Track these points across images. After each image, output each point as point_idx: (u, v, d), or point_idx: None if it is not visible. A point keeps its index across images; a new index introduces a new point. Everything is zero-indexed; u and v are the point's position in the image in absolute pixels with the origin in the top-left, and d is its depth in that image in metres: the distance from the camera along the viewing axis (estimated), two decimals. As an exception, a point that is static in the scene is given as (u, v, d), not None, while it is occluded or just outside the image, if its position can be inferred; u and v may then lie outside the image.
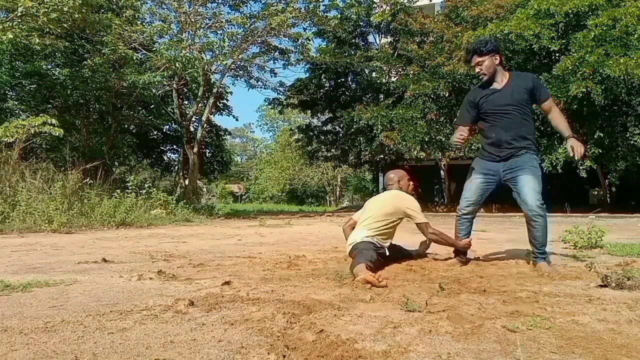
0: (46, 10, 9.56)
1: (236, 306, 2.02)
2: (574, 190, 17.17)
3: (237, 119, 45.86)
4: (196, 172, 16.65)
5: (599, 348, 1.48)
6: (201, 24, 14.46)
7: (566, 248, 4.20)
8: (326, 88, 20.90)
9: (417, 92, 15.43)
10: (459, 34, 15.05)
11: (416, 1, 18.86)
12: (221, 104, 20.54)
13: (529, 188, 2.98)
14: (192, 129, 17.64)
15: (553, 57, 13.91)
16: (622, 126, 12.79)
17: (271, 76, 17.84)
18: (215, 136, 21.98)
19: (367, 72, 19.69)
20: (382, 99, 18.32)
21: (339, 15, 18.48)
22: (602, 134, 12.61)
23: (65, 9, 9.68)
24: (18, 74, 11.87)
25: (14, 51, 10.96)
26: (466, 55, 3.25)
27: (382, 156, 18.38)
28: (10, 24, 9.68)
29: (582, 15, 12.50)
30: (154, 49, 13.89)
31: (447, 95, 15.39)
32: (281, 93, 19.90)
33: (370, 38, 20.85)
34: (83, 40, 12.94)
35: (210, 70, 15.77)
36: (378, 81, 19.44)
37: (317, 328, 1.65)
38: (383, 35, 20.46)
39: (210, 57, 14.49)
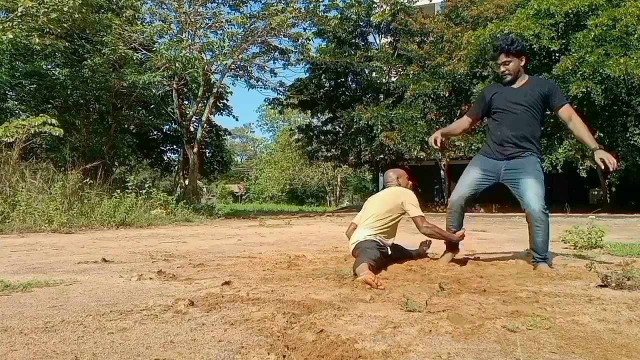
0: (46, 10, 9.56)
1: (236, 306, 2.02)
2: (574, 190, 17.18)
3: (237, 119, 45.96)
4: (196, 172, 16.66)
5: (599, 348, 1.48)
6: (201, 24, 14.46)
7: (566, 248, 4.20)
8: (326, 88, 20.90)
9: (417, 92, 15.45)
10: (459, 34, 15.07)
11: (416, 1, 18.87)
12: (221, 104, 20.54)
13: (532, 192, 2.96)
14: (192, 129, 17.64)
15: (553, 57, 13.92)
16: (622, 126, 12.79)
17: (271, 76, 17.87)
18: (215, 136, 21.98)
19: (367, 72, 19.70)
20: (382, 99, 18.32)
21: (339, 15, 18.49)
22: (602, 134, 12.61)
23: (65, 9, 9.69)
24: (18, 74, 11.87)
25: (14, 51, 10.95)
26: (493, 51, 3.32)
27: (382, 156, 18.38)
28: (10, 24, 9.68)
29: (582, 15, 12.51)
30: (154, 49, 13.90)
31: (447, 95, 15.41)
32: (281, 93, 19.91)
33: (370, 38, 20.87)
34: (83, 40, 12.94)
35: (210, 70, 15.77)
36: (378, 81, 19.45)
37: (317, 328, 1.65)
38: (383, 35, 20.46)
39: (210, 57, 14.50)
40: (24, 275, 2.86)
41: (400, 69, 18.46)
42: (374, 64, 18.23)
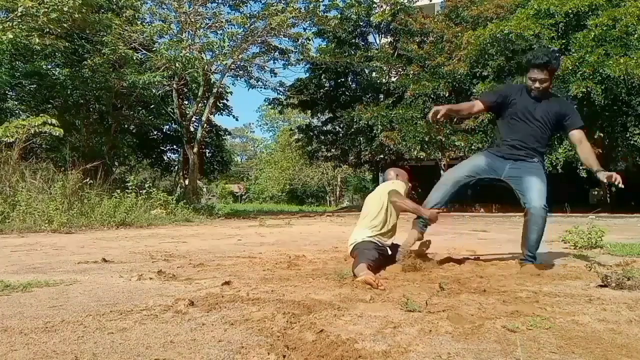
0: (46, 10, 9.55)
1: (236, 306, 2.02)
2: (574, 190, 17.18)
3: (237, 119, 45.94)
4: (196, 172, 16.65)
5: (599, 348, 1.48)
6: (201, 24, 14.46)
7: (566, 248, 4.20)
8: (326, 88, 20.89)
9: (417, 92, 15.46)
10: (459, 34, 15.08)
11: (416, 1, 18.86)
12: (221, 104, 20.54)
13: (536, 189, 2.97)
14: (192, 129, 17.64)
15: (553, 57, 13.91)
16: (622, 126, 12.80)
17: (271, 76, 17.87)
18: (215, 136, 21.98)
19: (367, 72, 19.70)
20: (382, 99, 18.32)
21: (339, 15, 18.50)
22: (602, 134, 12.62)
23: (65, 9, 9.68)
24: (18, 74, 11.88)
25: (14, 51, 10.95)
26: (532, 60, 3.00)
27: (382, 156, 18.38)
28: (10, 24, 9.68)
29: (582, 15, 12.52)
30: (154, 49, 13.90)
31: (447, 95, 15.41)
32: (281, 93, 19.90)
33: (370, 38, 20.87)
34: (83, 40, 12.95)
35: (210, 70, 15.77)
36: (378, 81, 19.45)
37: (317, 328, 1.65)
38: (383, 35, 20.45)
39: (210, 57, 14.49)
40: (24, 275, 2.86)
41: (400, 69, 18.46)
42: (374, 64, 18.23)
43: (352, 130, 18.04)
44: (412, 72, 16.63)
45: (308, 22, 16.22)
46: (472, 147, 14.74)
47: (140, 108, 16.60)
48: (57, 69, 13.15)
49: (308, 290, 2.39)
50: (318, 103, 20.89)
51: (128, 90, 13.25)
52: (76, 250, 4.36)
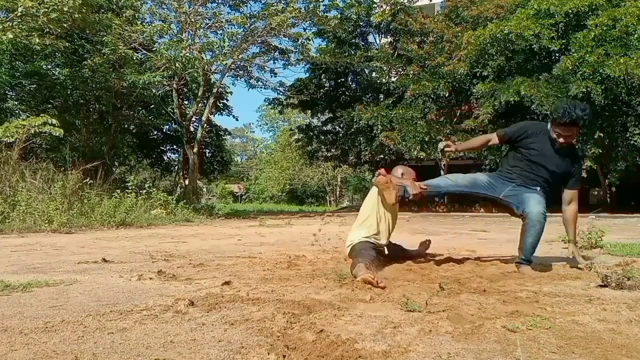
0: (46, 10, 9.55)
1: (236, 306, 2.02)
2: (573, 190, 17.14)
3: (237, 119, 45.97)
4: (196, 172, 16.65)
5: (599, 348, 1.48)
6: (201, 24, 14.46)
7: (566, 248, 4.19)
8: (326, 88, 20.89)
9: (417, 92, 15.45)
10: (459, 34, 15.07)
11: (416, 1, 18.87)
12: (221, 104, 20.53)
13: (535, 200, 2.98)
14: (192, 129, 17.64)
15: (553, 57, 13.92)
16: (622, 126, 12.79)
17: (271, 76, 17.86)
18: (215, 136, 21.98)
19: (367, 72, 19.69)
20: (382, 99, 18.31)
21: (339, 15, 18.49)
22: (602, 134, 12.61)
23: (65, 9, 9.68)
24: (18, 74, 11.88)
25: (14, 51, 10.96)
26: (566, 115, 2.87)
27: (382, 156, 18.38)
28: (10, 24, 9.68)
29: (582, 15, 12.52)
30: (154, 49, 13.90)
31: (447, 95, 15.42)
32: (281, 93, 19.90)
33: (370, 38, 20.86)
34: (83, 40, 12.94)
35: (210, 70, 15.77)
36: (378, 81, 19.44)
37: (317, 328, 1.65)
38: (383, 35, 20.45)
39: (210, 57, 14.49)
40: (24, 275, 2.86)
41: (400, 69, 18.46)
42: (374, 64, 18.23)
43: (352, 130, 18.04)
44: (412, 72, 16.63)
45: (308, 22, 16.22)
46: (472, 147, 14.73)
47: (140, 108, 16.60)
48: (57, 69, 13.15)
49: (308, 290, 2.39)
50: (318, 103, 20.89)
51: (128, 90, 13.25)
52: (76, 250, 4.36)
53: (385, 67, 18.56)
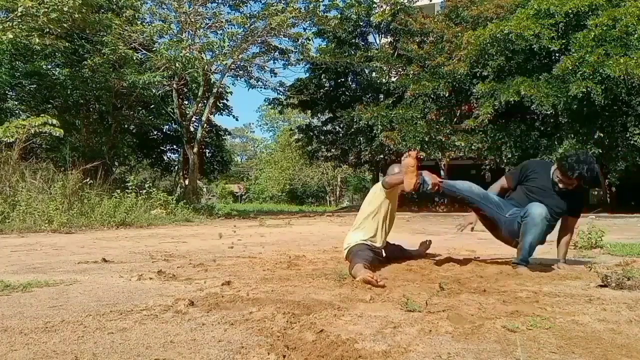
0: (46, 10, 9.56)
1: (236, 306, 2.02)
2: (573, 190, 17.12)
3: (237, 119, 45.97)
4: (196, 172, 16.66)
5: (599, 348, 1.48)
6: (201, 24, 14.46)
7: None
8: (326, 88, 20.88)
9: (417, 92, 15.44)
10: (459, 34, 15.06)
11: (416, 1, 18.86)
12: (221, 104, 20.54)
13: (536, 204, 2.98)
14: (192, 129, 17.64)
15: (553, 57, 13.92)
16: (622, 126, 12.79)
17: (271, 76, 17.87)
18: (215, 136, 21.98)
19: (367, 72, 19.69)
20: (382, 99, 18.30)
21: (339, 15, 18.49)
22: (602, 134, 12.61)
23: (65, 9, 9.69)
24: (18, 74, 11.88)
25: (14, 51, 10.96)
26: (572, 169, 2.91)
27: (382, 156, 18.37)
28: (10, 24, 9.69)
29: (582, 15, 12.51)
30: (154, 49, 13.90)
31: (447, 95, 15.40)
32: (281, 93, 19.90)
33: (370, 38, 20.85)
34: (83, 40, 12.95)
35: (210, 70, 15.77)
36: (378, 81, 19.43)
37: (317, 328, 1.65)
38: (383, 35, 20.45)
39: (210, 57, 14.49)
40: (24, 275, 2.86)
41: (400, 69, 18.45)
42: (374, 64, 18.22)
43: (352, 130, 18.03)
44: (412, 72, 16.62)
45: (308, 22, 16.22)
46: (472, 147, 14.74)
47: (140, 108, 16.60)
48: (57, 69, 13.15)
49: (308, 290, 2.39)
50: (318, 103, 20.88)
51: (128, 90, 13.25)
52: (76, 250, 4.36)
53: (385, 67, 18.55)
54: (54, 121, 8.84)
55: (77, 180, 8.21)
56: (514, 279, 2.71)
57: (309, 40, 16.04)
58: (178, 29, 14.61)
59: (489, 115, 13.45)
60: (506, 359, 1.39)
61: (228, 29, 14.64)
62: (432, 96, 15.55)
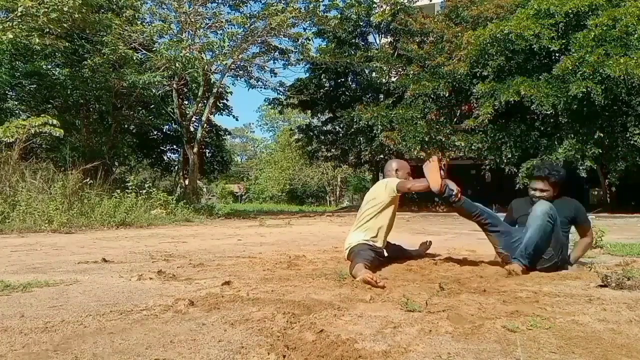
0: (46, 10, 9.55)
1: (236, 306, 2.02)
2: (574, 190, 17.14)
3: (237, 119, 45.92)
4: (196, 172, 16.65)
5: (599, 348, 1.48)
6: (201, 24, 14.45)
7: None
8: (326, 88, 20.88)
9: (417, 92, 15.43)
10: (459, 34, 15.06)
11: (416, 1, 18.86)
12: (221, 104, 20.53)
13: (541, 203, 3.00)
14: (192, 129, 17.64)
15: (553, 57, 13.91)
16: (622, 126, 12.78)
17: (271, 76, 17.85)
18: (215, 136, 21.97)
19: (367, 72, 19.68)
20: (382, 99, 18.30)
21: (339, 15, 18.47)
22: (602, 134, 12.60)
23: (65, 9, 9.68)
24: (18, 74, 11.88)
25: (14, 51, 10.96)
26: (535, 172, 3.20)
27: (382, 156, 18.36)
28: (10, 24, 9.68)
29: (582, 15, 12.51)
30: (154, 49, 13.89)
31: (447, 95, 15.39)
32: (281, 93, 19.89)
33: (370, 38, 20.85)
34: (83, 40, 12.94)
35: (210, 70, 15.76)
36: (378, 81, 19.43)
37: (317, 328, 1.65)
38: (383, 35, 20.44)
39: (210, 57, 14.48)
40: (24, 275, 2.86)
41: (400, 69, 18.45)
42: (374, 64, 18.21)
43: (352, 130, 18.02)
44: (412, 72, 16.61)
45: (308, 22, 16.20)
46: (472, 147, 14.73)
47: (140, 108, 16.60)
48: (57, 69, 13.15)
49: (308, 290, 2.39)
50: (318, 103, 20.88)
51: (128, 90, 13.25)
52: (76, 250, 4.36)
53: (385, 67, 18.54)
54: (54, 121, 8.83)
55: (77, 180, 8.21)
56: (514, 279, 2.71)
57: (309, 40, 16.03)
58: (178, 29, 14.61)
59: (489, 115, 13.44)
60: (506, 359, 1.39)
61: (228, 29, 14.64)
62: (432, 96, 15.55)
